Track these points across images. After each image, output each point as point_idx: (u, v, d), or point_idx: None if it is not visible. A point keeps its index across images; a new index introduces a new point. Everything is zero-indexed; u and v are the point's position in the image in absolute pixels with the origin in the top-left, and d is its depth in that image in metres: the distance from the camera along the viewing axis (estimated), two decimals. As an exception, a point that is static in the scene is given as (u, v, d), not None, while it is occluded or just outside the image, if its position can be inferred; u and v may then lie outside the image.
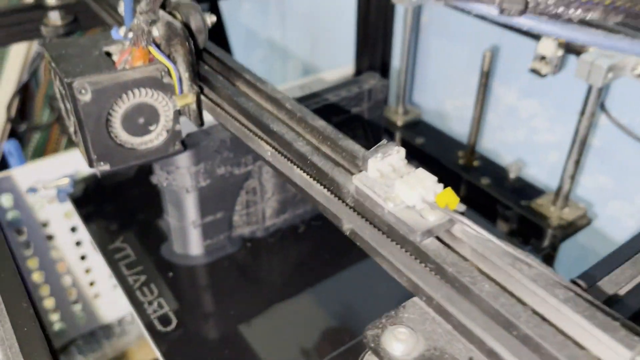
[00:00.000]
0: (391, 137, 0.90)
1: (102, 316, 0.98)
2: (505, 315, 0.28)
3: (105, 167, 0.48)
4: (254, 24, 1.37)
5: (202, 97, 0.49)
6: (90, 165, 0.49)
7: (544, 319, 0.28)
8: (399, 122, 0.90)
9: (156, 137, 0.50)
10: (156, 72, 0.47)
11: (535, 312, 0.28)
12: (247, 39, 1.39)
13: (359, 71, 0.96)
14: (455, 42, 0.87)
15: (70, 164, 0.80)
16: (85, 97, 0.45)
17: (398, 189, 0.33)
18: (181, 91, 0.49)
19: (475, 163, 0.81)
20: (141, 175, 0.78)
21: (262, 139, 0.42)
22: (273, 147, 0.42)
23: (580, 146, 0.67)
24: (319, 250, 0.67)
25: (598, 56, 0.60)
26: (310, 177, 0.39)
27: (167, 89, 0.48)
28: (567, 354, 0.26)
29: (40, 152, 1.33)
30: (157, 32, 0.48)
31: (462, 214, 0.32)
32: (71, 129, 0.50)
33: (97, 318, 0.98)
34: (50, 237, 0.86)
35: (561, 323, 0.27)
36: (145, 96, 0.47)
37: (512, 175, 0.79)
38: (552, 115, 0.78)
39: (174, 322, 0.58)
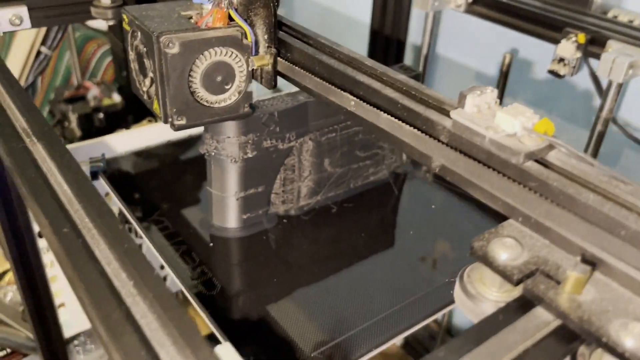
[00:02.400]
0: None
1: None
2: (615, 217, 0.31)
3: (181, 121, 0.51)
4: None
5: (278, 59, 0.52)
6: (166, 120, 0.51)
7: (647, 221, 0.31)
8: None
9: (229, 96, 0.52)
10: (237, 33, 0.50)
11: (640, 215, 0.32)
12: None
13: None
14: (468, 49, 0.92)
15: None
16: (173, 49, 0.47)
17: (499, 119, 0.36)
18: (256, 53, 0.52)
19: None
20: (167, 155, 0.80)
21: (345, 90, 0.46)
22: (357, 97, 0.45)
23: (595, 144, 0.72)
24: (351, 231, 0.70)
25: (619, 54, 0.65)
26: (399, 119, 0.42)
27: (245, 50, 0.51)
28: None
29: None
30: (236, -4, 0.51)
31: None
32: (144, 88, 0.52)
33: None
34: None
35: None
36: (225, 55, 0.50)
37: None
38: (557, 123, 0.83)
39: (218, 286, 0.59)
